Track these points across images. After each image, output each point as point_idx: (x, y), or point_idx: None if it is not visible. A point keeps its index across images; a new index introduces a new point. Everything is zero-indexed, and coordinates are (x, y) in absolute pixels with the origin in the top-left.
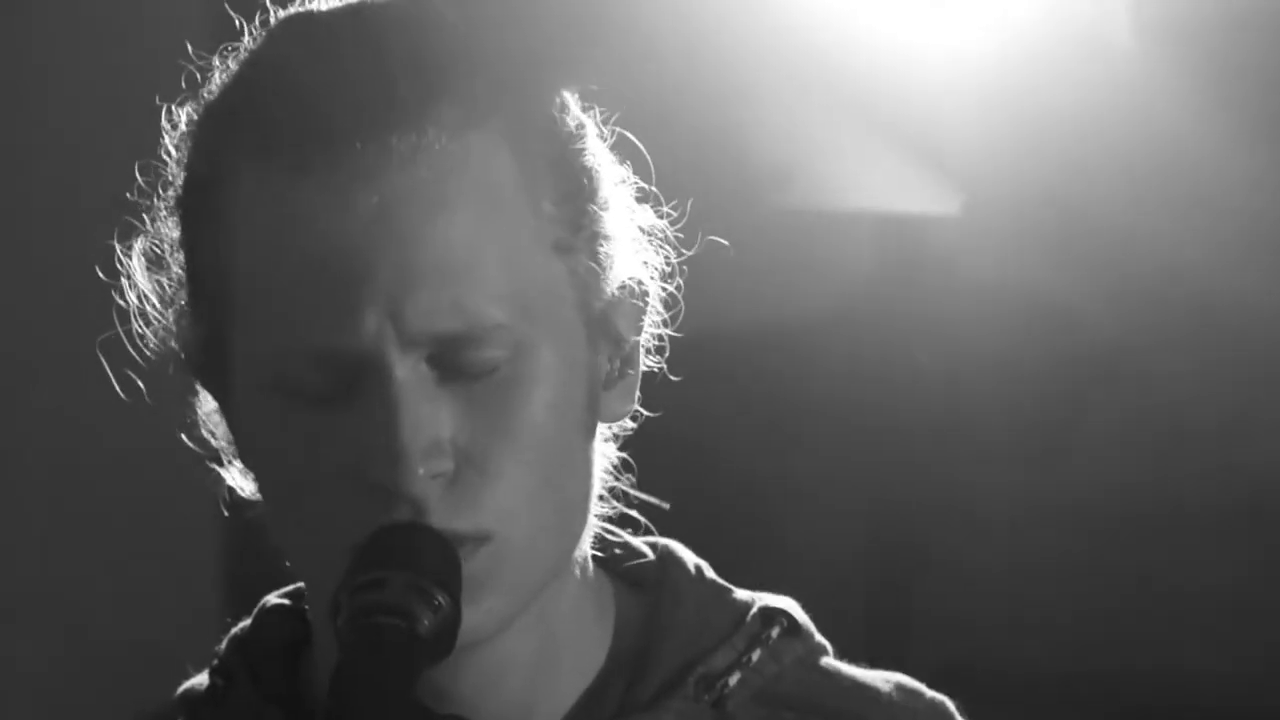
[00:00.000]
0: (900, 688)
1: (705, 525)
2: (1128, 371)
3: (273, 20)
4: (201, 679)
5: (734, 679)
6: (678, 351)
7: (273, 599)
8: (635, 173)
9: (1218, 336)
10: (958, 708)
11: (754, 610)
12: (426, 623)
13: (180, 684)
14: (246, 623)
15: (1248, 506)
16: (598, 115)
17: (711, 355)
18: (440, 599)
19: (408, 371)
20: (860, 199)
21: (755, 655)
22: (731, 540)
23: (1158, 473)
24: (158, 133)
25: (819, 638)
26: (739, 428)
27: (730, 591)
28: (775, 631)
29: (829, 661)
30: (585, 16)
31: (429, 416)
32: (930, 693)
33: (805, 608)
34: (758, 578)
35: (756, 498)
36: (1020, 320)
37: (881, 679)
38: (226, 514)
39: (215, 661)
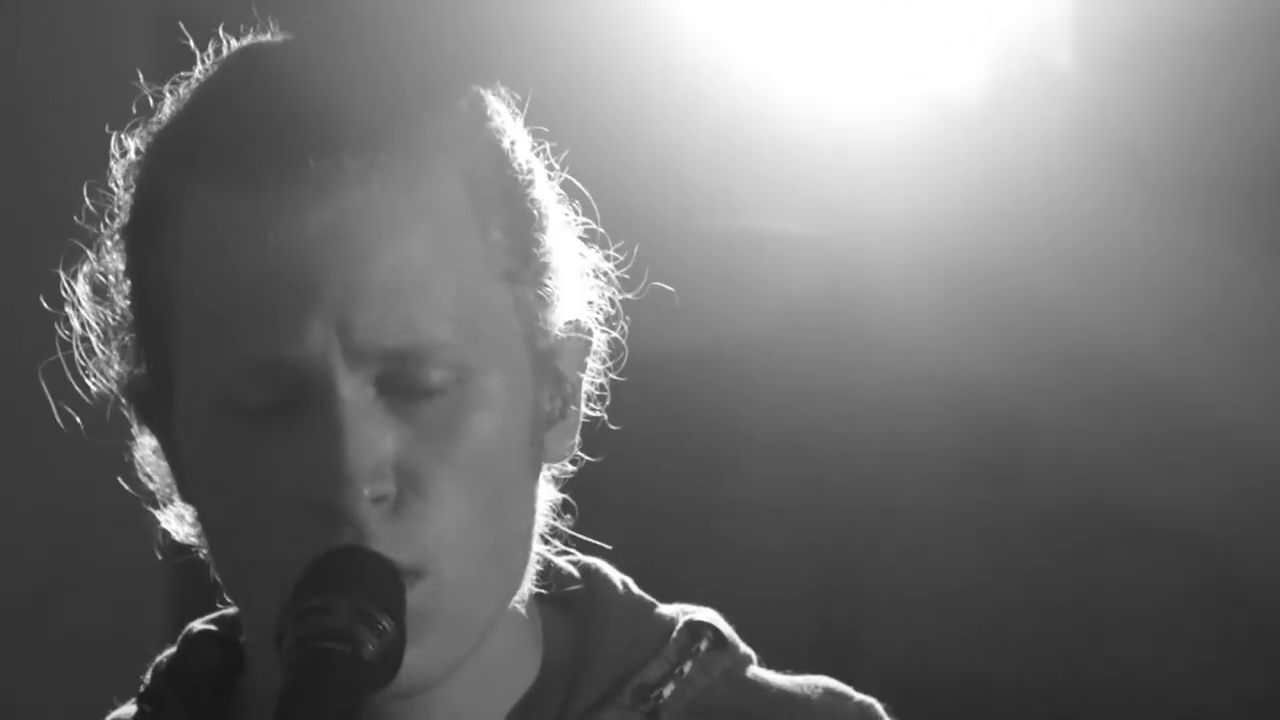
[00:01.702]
0: (829, 692)
1: (644, 548)
2: (1065, 396)
3: (225, 51)
4: (128, 709)
5: (668, 690)
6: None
7: (198, 625)
8: (581, 213)
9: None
10: (886, 710)
11: (680, 624)
12: (371, 647)
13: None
14: (171, 650)
15: (1182, 531)
16: (547, 152)
17: (647, 379)
18: (384, 623)
19: (354, 392)
20: (796, 223)
21: (687, 667)
22: (667, 564)
23: (1098, 493)
24: (107, 161)
25: (744, 648)
26: (677, 451)
27: (655, 606)
28: (703, 645)
29: (755, 671)
30: (529, 52)
31: (374, 438)
32: (858, 695)
33: (750, 629)
34: (699, 600)
35: (695, 520)
36: (957, 345)
37: (809, 685)
38: (160, 557)
39: (142, 689)
